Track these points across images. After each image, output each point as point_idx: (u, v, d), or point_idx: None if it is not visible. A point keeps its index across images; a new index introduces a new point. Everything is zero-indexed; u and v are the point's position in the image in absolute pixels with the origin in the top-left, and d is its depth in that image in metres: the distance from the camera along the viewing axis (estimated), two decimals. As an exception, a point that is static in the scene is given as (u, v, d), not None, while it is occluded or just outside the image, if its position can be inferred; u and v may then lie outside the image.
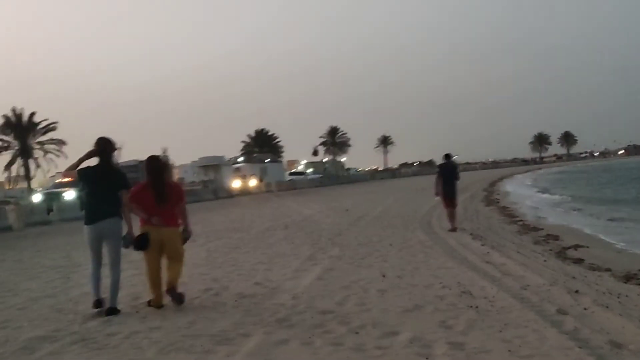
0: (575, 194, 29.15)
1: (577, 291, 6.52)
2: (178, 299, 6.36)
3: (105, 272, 6.33)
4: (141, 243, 6.18)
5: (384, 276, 7.73)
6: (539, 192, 34.92)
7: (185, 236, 6.68)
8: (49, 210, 28.70)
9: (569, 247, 10.65)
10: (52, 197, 33.96)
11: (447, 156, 14.47)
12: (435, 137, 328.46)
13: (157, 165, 6.50)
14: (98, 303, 6.12)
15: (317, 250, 10.52)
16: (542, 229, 13.85)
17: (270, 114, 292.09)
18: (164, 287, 6.35)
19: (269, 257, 9.94)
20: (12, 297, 7.80)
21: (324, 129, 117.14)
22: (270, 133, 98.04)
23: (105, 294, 6.21)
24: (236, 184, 54.70)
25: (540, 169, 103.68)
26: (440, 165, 14.75)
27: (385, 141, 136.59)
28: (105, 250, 6.27)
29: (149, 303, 6.44)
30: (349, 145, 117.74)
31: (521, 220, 16.12)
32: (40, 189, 51.39)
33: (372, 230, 13.66)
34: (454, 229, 13.04)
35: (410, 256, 9.47)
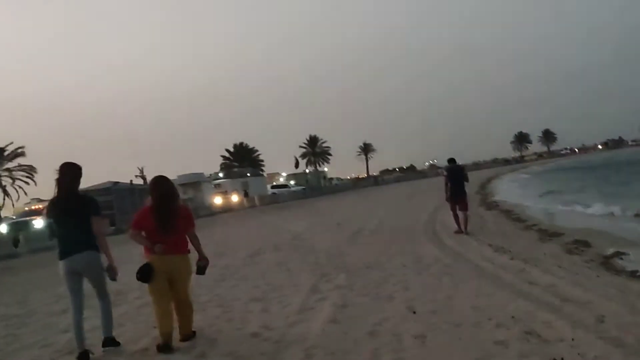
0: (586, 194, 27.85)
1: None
2: (192, 337, 5.87)
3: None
4: (144, 274, 5.54)
5: (414, 312, 6.13)
6: (531, 191, 33.64)
7: (201, 264, 6.05)
8: (16, 241, 26.86)
9: (611, 256, 9.14)
10: (19, 226, 32.11)
11: (452, 160, 14.21)
12: (414, 142, 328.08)
13: (163, 188, 5.79)
14: (83, 356, 5.38)
15: (319, 279, 8.87)
16: (564, 233, 12.33)
17: (247, 126, 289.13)
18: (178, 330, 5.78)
19: (263, 292, 8.27)
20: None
21: (302, 139, 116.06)
22: (249, 146, 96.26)
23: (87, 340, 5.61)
24: (217, 200, 53.22)
25: (524, 167, 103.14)
26: (448, 169, 14.16)
27: (366, 148, 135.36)
28: (88, 286, 5.66)
29: (158, 347, 5.54)
30: (330, 155, 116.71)
31: (535, 225, 14.62)
32: (13, 217, 49.33)
33: (376, 248, 12.05)
34: (460, 232, 13.14)
35: (433, 280, 7.89)
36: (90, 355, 5.46)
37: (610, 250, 9.64)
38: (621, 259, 8.86)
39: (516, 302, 6.17)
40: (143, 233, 5.73)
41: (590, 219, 16.18)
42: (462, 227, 13.34)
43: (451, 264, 9.10)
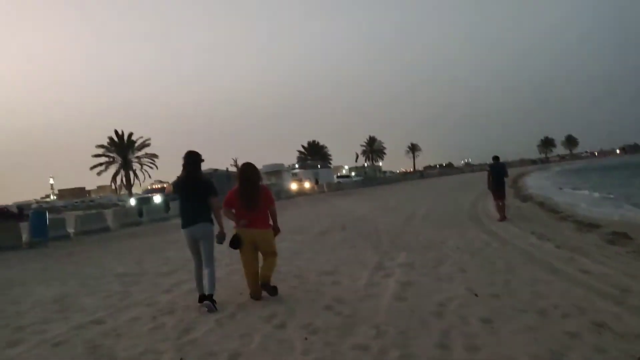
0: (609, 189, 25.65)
1: None
2: (272, 291, 5.71)
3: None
4: (233, 243, 5.66)
5: (476, 295, 5.20)
6: (565, 187, 31.37)
7: (275, 234, 5.92)
8: (140, 212, 27.28)
9: (655, 248, 7.84)
10: (143, 201, 32.68)
11: (496, 158, 13.80)
12: (452, 143, 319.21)
13: (247, 173, 5.71)
14: (202, 297, 5.50)
15: (382, 256, 8.01)
16: (602, 225, 10.95)
17: (319, 127, 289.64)
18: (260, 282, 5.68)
19: (334, 266, 7.50)
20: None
21: (362, 139, 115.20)
22: (320, 144, 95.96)
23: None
24: (294, 186, 53.03)
25: (548, 167, 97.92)
26: (491, 165, 13.76)
27: (413, 148, 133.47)
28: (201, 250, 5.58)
29: (251, 295, 5.75)
30: (385, 153, 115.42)
31: (570, 216, 13.20)
32: (139, 194, 50.81)
33: (429, 230, 11.04)
34: (503, 219, 12.45)
35: (488, 263, 6.88)
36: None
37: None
38: (668, 252, 7.56)
39: (575, 291, 5.14)
40: (233, 210, 5.70)
41: (621, 212, 14.58)
42: (503, 214, 12.71)
43: (500, 249, 8.05)
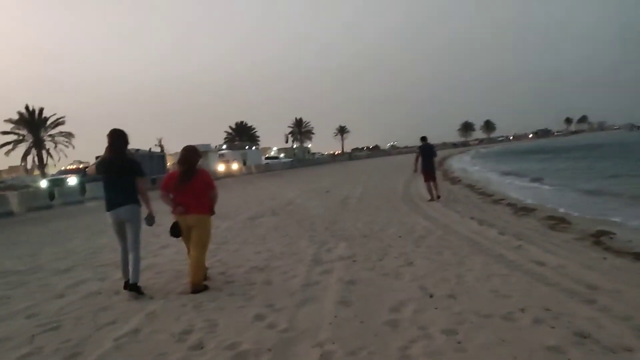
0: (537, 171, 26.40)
1: None
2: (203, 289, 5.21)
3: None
4: (173, 231, 5.40)
5: (431, 296, 4.49)
6: (488, 168, 32.18)
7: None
8: (51, 195, 24.79)
9: (598, 234, 7.58)
10: (55, 182, 29.90)
11: (424, 138, 13.41)
12: (378, 126, 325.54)
13: (185, 156, 5.42)
14: (127, 285, 5.21)
15: (319, 247, 7.17)
16: (536, 209, 10.80)
17: (247, 108, 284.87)
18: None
19: (265, 259, 6.57)
20: None
21: (291, 121, 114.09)
22: (248, 125, 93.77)
23: None
24: (221, 168, 51.24)
25: (469, 150, 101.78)
26: (420, 147, 13.37)
27: (342, 130, 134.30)
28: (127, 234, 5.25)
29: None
30: (313, 134, 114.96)
31: (502, 199, 13.08)
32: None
33: (366, 216, 10.36)
34: (436, 198, 12.69)
35: (435, 254, 6.24)
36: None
37: (592, 229, 8.10)
38: (611, 238, 7.31)
39: (538, 288, 4.57)
40: (171, 195, 5.39)
41: (540, 193, 14.77)
42: (434, 194, 12.84)
43: (444, 236, 7.47)
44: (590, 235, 7.62)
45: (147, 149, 46.41)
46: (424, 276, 5.19)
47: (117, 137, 5.20)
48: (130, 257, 5.17)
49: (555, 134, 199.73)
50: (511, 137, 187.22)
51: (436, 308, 4.15)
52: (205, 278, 5.49)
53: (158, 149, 60.26)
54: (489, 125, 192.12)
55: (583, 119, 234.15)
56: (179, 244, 6.58)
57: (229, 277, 5.72)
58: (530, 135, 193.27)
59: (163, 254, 7.48)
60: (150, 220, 5.30)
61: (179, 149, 5.59)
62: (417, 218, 9.63)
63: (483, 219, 9.19)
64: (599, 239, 7.31)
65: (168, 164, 52.85)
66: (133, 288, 5.11)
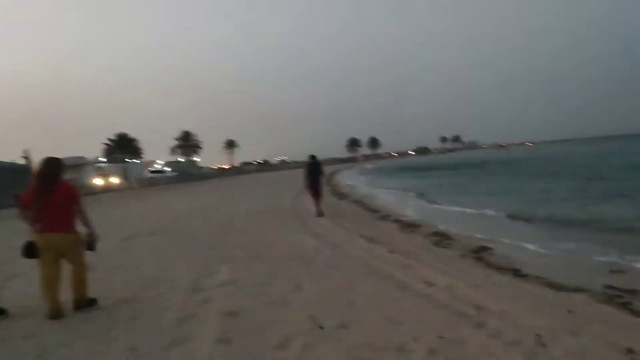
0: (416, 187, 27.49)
1: (630, 350, 3.47)
2: (92, 303, 5.01)
3: None
4: (27, 251, 4.74)
5: (321, 328, 4.09)
6: (374, 184, 33.17)
7: (91, 239, 5.05)
8: None
9: (479, 250, 7.82)
10: None
11: (313, 157, 13.58)
12: (267, 140, 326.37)
13: (43, 168, 4.89)
14: None
15: (200, 271, 6.49)
16: (421, 225, 11.06)
17: (130, 119, 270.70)
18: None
19: (137, 289, 5.74)
20: None
21: (178, 133, 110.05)
22: (130, 136, 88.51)
23: None
24: (98, 182, 47.52)
25: (356, 165, 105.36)
26: (308, 164, 13.51)
27: (231, 144, 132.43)
28: None
29: (49, 315, 4.71)
30: (200, 147, 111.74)
31: (388, 215, 13.31)
32: None
33: (253, 234, 9.83)
34: (320, 214, 12.64)
35: (324, 277, 5.89)
36: None
37: (473, 245, 8.36)
38: (491, 253, 7.55)
39: (429, 312, 4.38)
40: (30, 213, 4.81)
41: (424, 209, 15.34)
42: (319, 210, 12.91)
43: (334, 256, 7.18)
44: (471, 251, 7.84)
45: (10, 160, 41.60)
46: (313, 303, 4.79)
47: None
48: None
49: (433, 151, 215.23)
50: (394, 154, 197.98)
51: (327, 342, 3.76)
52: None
53: (25, 161, 54.26)
54: (374, 142, 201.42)
55: (457, 138, 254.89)
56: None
57: (88, 314, 4.86)
58: (412, 152, 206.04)
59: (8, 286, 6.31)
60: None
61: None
62: (306, 236, 9.31)
63: (371, 237, 9.11)
64: (480, 254, 7.53)
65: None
66: None
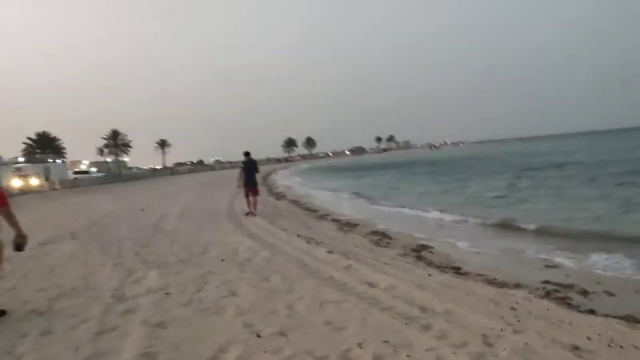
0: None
1: (576, 347, 3.42)
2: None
3: None
4: None
5: (258, 336, 3.77)
6: (308, 183, 32.97)
7: (19, 241, 4.72)
8: None
9: (419, 249, 7.77)
10: None
11: (247, 154, 13.24)
12: (201, 141, 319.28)
13: None
14: None
15: (125, 278, 5.95)
16: (359, 224, 10.95)
17: (52, 118, 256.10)
18: None
19: (50, 299, 5.13)
20: None
21: (106, 132, 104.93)
22: (52, 135, 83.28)
23: None
24: (16, 183, 44.19)
25: (292, 165, 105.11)
26: (244, 162, 13.27)
27: (163, 144, 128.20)
28: None
29: None
30: (130, 147, 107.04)
31: (327, 215, 13.14)
32: None
33: (185, 237, 9.29)
34: (252, 214, 12.45)
35: (262, 280, 5.57)
36: None
37: (413, 244, 8.32)
38: (431, 252, 7.51)
39: (373, 315, 4.17)
40: None
41: (361, 207, 15.33)
42: (253, 209, 12.74)
43: (271, 258, 6.87)
44: (412, 250, 7.78)
45: None
46: (249, 309, 4.45)
47: None
48: None
49: (369, 150, 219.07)
50: (330, 154, 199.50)
51: (265, 351, 3.45)
52: None
53: None
54: (310, 142, 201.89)
55: (391, 138, 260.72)
56: None
57: (-9, 329, 4.26)
58: (348, 152, 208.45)
59: None
60: None
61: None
62: (241, 238, 8.91)
63: (310, 237, 8.87)
64: (420, 253, 7.48)
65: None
66: None
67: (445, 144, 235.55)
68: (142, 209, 16.23)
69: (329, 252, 7.25)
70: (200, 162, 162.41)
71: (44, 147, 78.34)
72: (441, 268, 6.31)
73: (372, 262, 6.55)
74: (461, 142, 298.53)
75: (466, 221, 11.42)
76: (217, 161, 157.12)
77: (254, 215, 12.47)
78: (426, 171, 37.88)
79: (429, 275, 5.76)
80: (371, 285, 5.19)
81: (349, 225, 10.85)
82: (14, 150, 77.34)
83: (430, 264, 6.66)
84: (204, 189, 28.53)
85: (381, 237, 8.99)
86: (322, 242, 8.22)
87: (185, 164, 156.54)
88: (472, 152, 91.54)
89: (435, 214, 12.84)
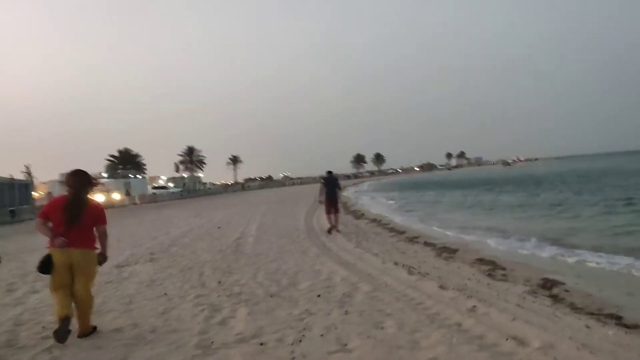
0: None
1: None
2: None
3: None
4: (43, 266, 4.43)
5: None
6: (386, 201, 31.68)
7: (100, 260, 4.73)
8: None
9: (548, 286, 6.39)
10: None
11: (329, 172, 13.69)
12: (270, 156, 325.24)
13: (71, 181, 4.59)
14: None
15: (210, 316, 5.04)
16: (458, 249, 9.64)
17: (133, 134, 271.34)
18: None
19: (124, 345, 4.34)
20: None
21: (182, 149, 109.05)
22: (133, 152, 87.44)
23: None
24: (99, 198, 46.27)
25: (362, 182, 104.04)
26: (325, 178, 13.50)
27: (235, 160, 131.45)
28: None
29: (55, 333, 4.21)
30: (205, 163, 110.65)
31: (418, 237, 11.91)
32: None
33: (269, 261, 8.41)
34: (336, 229, 12.52)
35: (373, 327, 4.45)
36: None
37: (536, 277, 6.94)
38: (566, 291, 6.12)
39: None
40: (50, 224, 4.50)
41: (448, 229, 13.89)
42: (335, 226, 12.70)
43: (373, 294, 5.77)
44: (539, 286, 6.42)
45: (8, 175, 40.46)
46: (371, 373, 3.39)
47: None
48: None
49: (439, 167, 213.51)
50: (399, 170, 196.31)
51: None
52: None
53: (25, 177, 53.22)
54: (379, 158, 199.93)
55: (462, 154, 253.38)
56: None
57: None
58: (417, 168, 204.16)
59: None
60: None
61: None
62: (331, 264, 7.91)
63: (409, 265, 7.71)
64: (552, 291, 6.11)
65: (36, 194, 46.90)
66: None
67: (519, 160, 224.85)
68: (219, 227, 15.72)
69: (441, 287, 6.05)
70: (270, 178, 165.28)
71: (125, 163, 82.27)
72: (594, 315, 4.95)
73: (500, 303, 5.30)
74: (536, 158, 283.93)
75: (582, 248, 9.67)
76: (286, 177, 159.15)
77: (338, 231, 12.40)
78: (508, 190, 35.15)
79: (587, 327, 4.44)
80: (519, 341, 3.96)
81: (446, 251, 9.57)
82: (99, 166, 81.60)
83: (575, 308, 5.29)
84: (278, 205, 28.04)
85: (492, 267, 7.65)
86: (427, 273, 7.04)
87: (255, 179, 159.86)
88: (552, 169, 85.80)
89: (541, 243, 11.00)
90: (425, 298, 5.49)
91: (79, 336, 4.49)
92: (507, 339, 4.02)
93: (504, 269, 7.63)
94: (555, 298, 5.73)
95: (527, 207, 19.86)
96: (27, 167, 67.32)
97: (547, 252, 9.28)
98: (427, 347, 3.90)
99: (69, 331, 4.26)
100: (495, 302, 5.35)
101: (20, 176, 49.16)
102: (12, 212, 31.63)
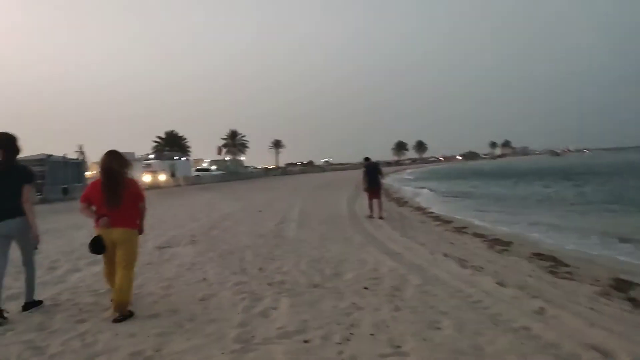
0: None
1: None
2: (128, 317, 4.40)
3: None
4: (95, 246, 4.52)
5: None
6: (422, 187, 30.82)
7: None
8: None
9: (622, 287, 5.74)
10: None
11: (367, 159, 13.82)
12: (312, 141, 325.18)
13: (107, 162, 4.55)
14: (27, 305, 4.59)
15: (251, 306, 4.69)
16: (512, 242, 9.00)
17: (179, 118, 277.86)
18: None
19: (159, 342, 4.04)
20: None
21: (225, 132, 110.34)
22: (179, 134, 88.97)
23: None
24: (146, 178, 47.21)
25: (403, 169, 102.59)
26: (366, 165, 13.47)
27: (277, 144, 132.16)
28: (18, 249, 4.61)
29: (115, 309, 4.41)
30: (247, 147, 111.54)
31: (464, 227, 11.30)
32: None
33: (311, 248, 8.05)
34: (372, 216, 12.40)
35: (428, 327, 4.00)
36: (6, 314, 4.37)
37: (605, 275, 6.29)
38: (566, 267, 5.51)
39: None
40: (93, 207, 4.57)
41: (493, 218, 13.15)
42: (377, 213, 12.54)
43: (424, 288, 5.30)
44: (611, 287, 5.77)
45: (61, 154, 41.73)
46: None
47: (2, 141, 4.50)
48: (25, 273, 4.68)
49: (483, 156, 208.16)
50: (442, 158, 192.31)
51: None
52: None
53: (78, 156, 54.91)
54: (421, 146, 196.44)
55: (507, 143, 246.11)
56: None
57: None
58: (459, 157, 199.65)
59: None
60: (35, 241, 4.63)
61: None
62: (376, 253, 7.46)
63: (460, 257, 7.18)
64: (628, 293, 5.46)
65: (88, 173, 48.33)
66: (29, 306, 4.61)
67: (569, 150, 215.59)
68: (260, 211, 15.50)
69: (499, 283, 5.52)
70: (310, 163, 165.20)
71: (171, 144, 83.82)
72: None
73: (571, 305, 4.73)
74: (586, 149, 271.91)
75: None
76: (327, 162, 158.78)
77: (381, 217, 12.26)
78: (559, 181, 33.51)
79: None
80: (603, 353, 3.42)
81: (499, 243, 8.94)
82: (146, 148, 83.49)
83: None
84: (319, 190, 27.72)
85: (554, 264, 7.01)
86: (481, 267, 6.49)
87: (296, 164, 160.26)
88: (606, 160, 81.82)
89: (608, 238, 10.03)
90: (483, 295, 4.98)
91: (114, 321, 4.30)
92: (585, 348, 3.49)
93: (566, 265, 6.98)
94: (634, 302, 5.09)
95: (584, 201, 18.76)
96: (80, 147, 69.66)
97: (615, 249, 8.53)
98: (494, 354, 3.42)
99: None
100: (564, 303, 4.79)
101: (73, 156, 50.71)
102: (64, 189, 32.60)
